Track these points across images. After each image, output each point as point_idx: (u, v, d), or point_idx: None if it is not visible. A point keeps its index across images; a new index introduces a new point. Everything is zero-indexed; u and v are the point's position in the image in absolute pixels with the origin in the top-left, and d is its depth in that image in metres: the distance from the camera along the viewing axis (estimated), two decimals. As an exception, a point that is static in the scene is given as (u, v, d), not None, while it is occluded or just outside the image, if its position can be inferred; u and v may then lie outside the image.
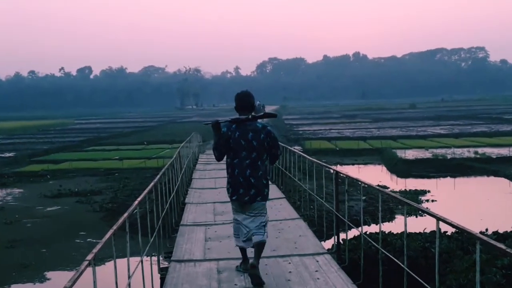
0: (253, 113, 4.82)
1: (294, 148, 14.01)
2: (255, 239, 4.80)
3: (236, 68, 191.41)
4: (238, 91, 5.06)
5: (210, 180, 12.64)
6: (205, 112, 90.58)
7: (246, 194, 4.77)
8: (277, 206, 8.72)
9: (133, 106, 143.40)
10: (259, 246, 4.80)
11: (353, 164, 24.07)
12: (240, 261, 5.26)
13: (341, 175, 6.15)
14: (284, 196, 9.77)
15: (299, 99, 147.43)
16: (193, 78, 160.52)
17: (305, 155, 8.70)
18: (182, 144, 13.94)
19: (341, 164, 23.67)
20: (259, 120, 4.85)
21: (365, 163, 24.21)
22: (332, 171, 6.44)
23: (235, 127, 4.78)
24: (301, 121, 56.12)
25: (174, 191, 8.48)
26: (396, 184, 18.48)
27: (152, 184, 5.89)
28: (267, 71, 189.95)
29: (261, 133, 4.77)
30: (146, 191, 5.44)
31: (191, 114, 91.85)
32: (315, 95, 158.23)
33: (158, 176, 6.67)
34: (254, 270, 4.70)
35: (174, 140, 33.17)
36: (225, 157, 4.89)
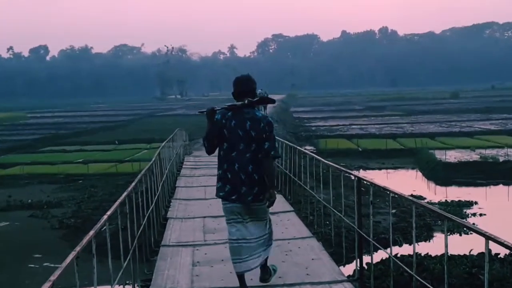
0: (249, 98, 5.22)
1: (305, 149, 14.06)
2: (252, 264, 5.21)
3: (231, 48, 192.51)
4: (233, 76, 5.46)
5: (199, 189, 12.67)
6: (192, 103, 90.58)
7: (249, 194, 5.12)
8: (284, 221, 8.72)
9: (101, 96, 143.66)
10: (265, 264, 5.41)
11: (380, 168, 24.12)
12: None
13: (365, 182, 6.20)
14: (292, 209, 9.79)
15: (311, 86, 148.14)
16: (177, 60, 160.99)
17: (319, 157, 8.71)
18: (163, 144, 13.94)
19: (365, 168, 23.75)
20: (258, 111, 5.34)
21: (395, 167, 24.24)
22: (353, 177, 6.51)
23: (231, 115, 5.20)
24: (313, 115, 56.24)
25: (153, 202, 8.52)
26: (434, 193, 18.51)
27: (125, 194, 5.89)
28: (271, 51, 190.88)
29: (261, 123, 5.18)
30: (117, 202, 5.45)
31: (174, 105, 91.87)
32: (332, 81, 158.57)
33: (133, 184, 6.68)
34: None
35: (153, 139, 33.34)
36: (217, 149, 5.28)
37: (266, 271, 5.56)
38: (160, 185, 10.03)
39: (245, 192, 5.08)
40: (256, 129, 5.11)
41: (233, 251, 5.18)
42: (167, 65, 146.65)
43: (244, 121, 5.13)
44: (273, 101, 5.79)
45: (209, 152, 5.26)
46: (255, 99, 5.27)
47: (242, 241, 5.13)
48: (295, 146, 11.35)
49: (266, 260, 5.45)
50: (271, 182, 5.18)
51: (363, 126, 41.40)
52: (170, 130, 23.08)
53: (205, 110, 5.19)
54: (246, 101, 5.15)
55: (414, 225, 5.11)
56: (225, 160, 5.17)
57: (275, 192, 5.27)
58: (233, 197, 5.11)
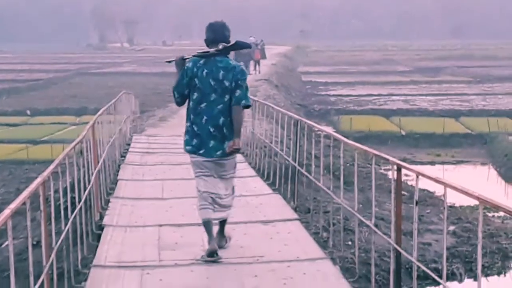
0: (223, 43, 5.91)
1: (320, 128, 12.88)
2: (218, 215, 6.15)
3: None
4: (211, 15, 4.79)
5: (154, 184, 11.04)
6: (147, 56, 71.06)
7: (217, 148, 5.90)
8: (283, 234, 7.52)
9: (6, 40, 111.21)
10: (223, 223, 6.36)
11: (433, 163, 21.36)
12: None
13: (407, 178, 5.69)
14: (296, 217, 8.56)
15: (331, 34, 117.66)
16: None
17: (338, 136, 7.63)
18: (99, 113, 11.44)
19: (411, 162, 20.56)
20: (231, 60, 6.06)
21: (457, 162, 21.51)
22: (390, 167, 5.84)
23: (203, 63, 5.92)
24: (333, 78, 48.68)
25: (81, 202, 7.18)
26: (514, 200, 16.80)
27: (34, 186, 4.89)
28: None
29: (234, 71, 5.95)
30: (26, 193, 4.59)
31: (119, 58, 75.09)
32: (363, 26, 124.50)
33: (48, 172, 5.51)
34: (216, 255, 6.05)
35: (86, 109, 30.11)
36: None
37: (223, 237, 6.36)
38: (93, 175, 8.53)
39: (214, 146, 5.87)
40: (230, 78, 5.87)
41: (202, 198, 5.98)
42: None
43: (217, 70, 5.88)
44: (248, 46, 6.57)
45: (179, 103, 6.06)
46: (230, 44, 5.98)
47: (213, 195, 5.97)
48: (303, 119, 9.87)
49: (223, 225, 6.31)
50: (237, 130, 5.93)
51: (409, 98, 35.73)
52: (111, 96, 20.09)
53: (173, 59, 5.99)
54: (220, 46, 5.85)
55: (479, 250, 4.32)
56: (192, 112, 5.94)
57: (240, 144, 6.01)
58: (201, 152, 5.88)
